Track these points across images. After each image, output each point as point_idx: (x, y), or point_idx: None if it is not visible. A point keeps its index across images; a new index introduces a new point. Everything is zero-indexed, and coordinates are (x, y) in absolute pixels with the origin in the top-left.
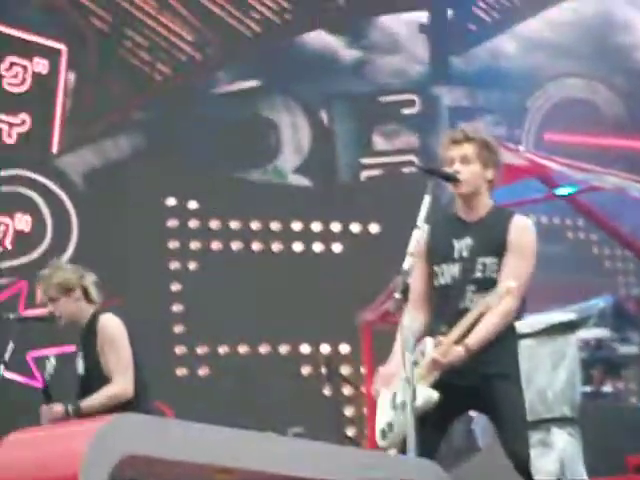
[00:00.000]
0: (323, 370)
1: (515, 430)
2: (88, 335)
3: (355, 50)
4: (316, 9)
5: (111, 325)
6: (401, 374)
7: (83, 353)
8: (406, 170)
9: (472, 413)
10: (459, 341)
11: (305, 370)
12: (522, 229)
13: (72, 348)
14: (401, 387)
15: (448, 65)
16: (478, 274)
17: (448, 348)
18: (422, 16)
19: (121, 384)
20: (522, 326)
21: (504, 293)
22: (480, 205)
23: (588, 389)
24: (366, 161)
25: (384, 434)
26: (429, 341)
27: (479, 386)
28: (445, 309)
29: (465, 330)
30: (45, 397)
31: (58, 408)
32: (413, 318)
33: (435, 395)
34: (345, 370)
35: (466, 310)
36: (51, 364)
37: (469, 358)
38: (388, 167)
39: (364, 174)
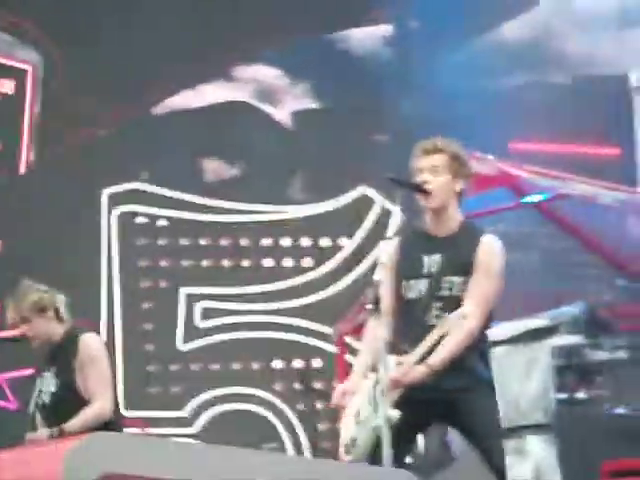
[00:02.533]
0: (297, 385)
1: (486, 443)
2: (61, 354)
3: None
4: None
5: (95, 345)
6: (363, 389)
7: (56, 372)
8: None
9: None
10: (421, 361)
11: (278, 386)
12: (490, 250)
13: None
14: (365, 403)
15: (414, 77)
16: (445, 292)
17: (409, 368)
18: (387, 29)
19: (103, 404)
20: (495, 333)
21: (461, 317)
22: (449, 219)
23: (562, 396)
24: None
25: (347, 449)
26: (390, 359)
27: (441, 401)
28: (411, 324)
29: (426, 351)
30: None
31: (44, 435)
32: (383, 330)
33: (395, 414)
34: (318, 384)
35: (431, 326)
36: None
37: (430, 376)
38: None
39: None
